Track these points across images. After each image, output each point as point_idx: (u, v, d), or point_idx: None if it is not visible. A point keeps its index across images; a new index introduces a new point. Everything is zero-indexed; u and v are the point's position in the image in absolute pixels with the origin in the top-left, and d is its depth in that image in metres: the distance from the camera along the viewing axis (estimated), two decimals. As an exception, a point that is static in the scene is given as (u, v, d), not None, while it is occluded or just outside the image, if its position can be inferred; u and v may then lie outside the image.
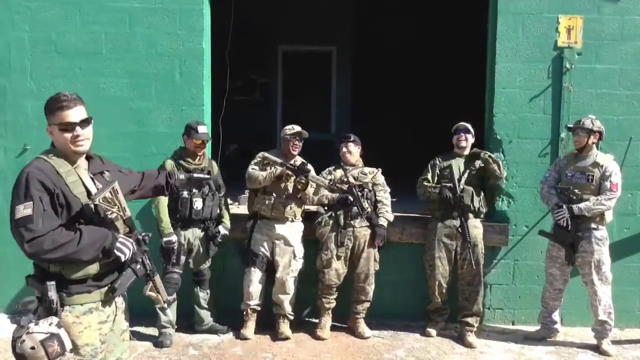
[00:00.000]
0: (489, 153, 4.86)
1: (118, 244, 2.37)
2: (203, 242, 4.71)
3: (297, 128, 4.83)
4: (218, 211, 4.75)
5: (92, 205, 2.36)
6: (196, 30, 5.12)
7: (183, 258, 4.63)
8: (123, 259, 2.39)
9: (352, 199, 4.70)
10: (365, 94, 9.68)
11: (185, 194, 4.53)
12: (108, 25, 5.10)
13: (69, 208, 2.33)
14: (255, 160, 4.83)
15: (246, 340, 4.74)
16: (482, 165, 4.81)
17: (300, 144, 4.85)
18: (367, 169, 4.98)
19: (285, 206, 4.75)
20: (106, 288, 2.43)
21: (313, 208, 5.03)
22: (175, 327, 4.72)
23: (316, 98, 9.64)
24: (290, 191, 4.77)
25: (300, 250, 4.84)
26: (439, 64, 9.62)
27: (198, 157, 4.64)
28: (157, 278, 2.61)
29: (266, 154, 4.79)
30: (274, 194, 4.75)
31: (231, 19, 6.17)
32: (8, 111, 5.12)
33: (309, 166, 4.82)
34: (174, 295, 4.64)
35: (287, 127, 4.89)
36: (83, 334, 2.36)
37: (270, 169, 4.69)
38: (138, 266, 2.49)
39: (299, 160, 4.86)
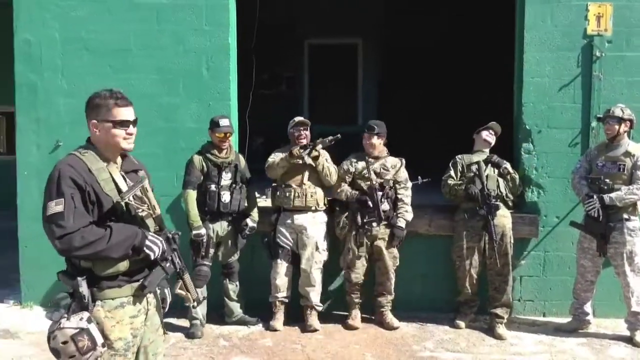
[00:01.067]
0: (508, 167, 4.78)
1: (148, 242, 2.38)
2: (231, 235, 4.77)
3: (299, 118, 4.91)
4: (245, 204, 4.80)
5: (122, 203, 2.38)
6: (222, 25, 5.16)
7: (212, 251, 4.70)
8: (152, 257, 2.40)
9: (371, 205, 4.70)
10: (392, 85, 9.63)
11: (213, 187, 4.62)
12: (137, 23, 5.17)
13: (100, 205, 2.34)
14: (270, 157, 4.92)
15: (275, 331, 4.79)
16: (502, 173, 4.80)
17: (307, 132, 4.87)
18: (389, 162, 4.91)
19: (307, 195, 4.79)
20: (137, 283, 2.44)
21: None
22: (206, 318, 4.79)
23: (342, 90, 9.64)
24: (307, 178, 4.81)
25: (323, 242, 4.86)
26: (467, 56, 9.54)
27: (224, 151, 4.69)
28: (187, 277, 2.62)
29: (275, 151, 4.89)
30: (293, 185, 4.80)
31: (257, 14, 6.21)
32: (40, 108, 5.23)
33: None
34: (204, 288, 4.71)
35: (291, 121, 4.94)
36: (115, 328, 2.37)
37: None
38: (168, 264, 2.49)
39: None
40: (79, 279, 2.29)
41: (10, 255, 6.53)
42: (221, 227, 4.73)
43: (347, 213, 4.84)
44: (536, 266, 5.20)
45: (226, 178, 4.69)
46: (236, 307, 4.90)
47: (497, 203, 4.71)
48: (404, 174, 4.92)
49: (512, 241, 4.84)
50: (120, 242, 2.30)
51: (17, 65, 5.24)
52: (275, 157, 4.82)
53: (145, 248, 2.37)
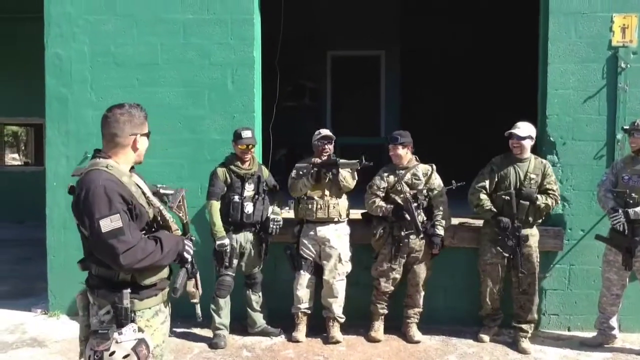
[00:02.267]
0: (540, 202, 4.63)
1: (186, 247, 2.53)
2: (255, 245, 4.82)
3: (324, 131, 4.92)
4: (268, 214, 4.84)
5: (155, 211, 2.46)
6: (247, 39, 5.24)
7: (235, 261, 4.75)
8: (189, 260, 2.54)
9: (408, 217, 4.65)
10: (415, 96, 9.65)
11: (236, 198, 4.68)
12: (163, 37, 5.28)
13: (141, 217, 2.40)
14: (293, 174, 4.90)
15: (298, 342, 4.80)
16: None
17: (330, 146, 4.89)
18: (420, 170, 4.84)
19: (329, 207, 4.80)
20: (166, 290, 2.52)
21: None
22: (229, 329, 4.83)
23: (365, 102, 9.67)
24: (329, 191, 4.81)
25: (346, 254, 4.87)
26: (490, 65, 9.53)
27: (247, 162, 4.74)
28: (198, 276, 2.72)
29: (298, 164, 4.89)
30: (316, 197, 4.81)
31: (281, 28, 6.28)
32: (70, 121, 5.35)
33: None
34: (227, 298, 4.75)
35: (315, 133, 4.96)
36: (154, 336, 2.43)
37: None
38: (189, 266, 2.59)
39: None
40: (124, 291, 2.33)
41: (38, 265, 6.69)
42: (244, 237, 4.77)
43: (384, 225, 4.82)
44: (561, 280, 5.14)
45: (249, 189, 4.73)
46: (259, 318, 4.93)
47: (527, 234, 4.66)
48: (437, 180, 4.85)
49: (538, 259, 4.78)
50: (170, 251, 2.42)
51: (48, 78, 5.36)
52: (298, 180, 4.79)
53: (185, 253, 2.51)
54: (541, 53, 5.20)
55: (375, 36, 9.18)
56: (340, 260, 4.82)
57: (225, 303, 4.78)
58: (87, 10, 5.32)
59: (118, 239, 2.22)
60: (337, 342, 4.80)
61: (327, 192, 4.83)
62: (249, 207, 4.71)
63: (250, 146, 4.72)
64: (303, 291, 4.85)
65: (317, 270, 4.91)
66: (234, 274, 4.75)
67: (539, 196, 4.65)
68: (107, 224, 2.22)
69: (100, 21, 5.32)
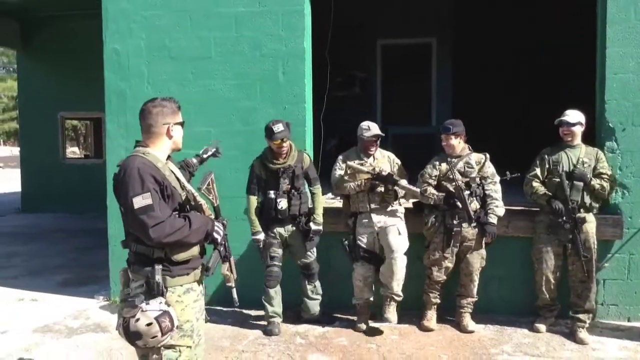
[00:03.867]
0: (594, 184, 4.57)
1: (216, 228, 2.67)
2: (297, 237, 4.82)
3: (373, 128, 4.78)
4: (308, 207, 4.82)
5: (188, 194, 2.64)
6: (298, 30, 5.28)
7: (280, 252, 4.80)
8: (219, 241, 2.69)
9: (460, 205, 4.60)
10: (468, 84, 9.49)
11: (272, 194, 4.68)
12: (216, 30, 5.37)
13: (173, 198, 2.57)
14: (339, 165, 4.85)
15: (359, 332, 4.83)
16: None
17: (378, 142, 4.84)
18: (473, 158, 4.77)
19: (382, 200, 4.75)
20: (199, 269, 2.69)
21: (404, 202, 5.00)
22: (282, 317, 4.90)
23: (416, 91, 9.57)
24: (383, 189, 4.74)
25: (403, 229, 4.77)
26: (543, 52, 9.30)
27: (282, 157, 4.66)
28: (232, 259, 2.86)
29: (351, 164, 4.76)
30: (368, 195, 4.74)
31: (331, 18, 6.29)
32: (128, 114, 5.51)
33: (394, 159, 4.87)
34: (277, 287, 4.82)
35: (363, 125, 4.82)
36: (184, 311, 2.60)
37: (358, 178, 4.73)
38: (222, 248, 2.75)
39: (381, 160, 4.83)
40: (156, 266, 2.52)
41: (98, 254, 6.96)
42: (285, 229, 4.79)
43: (436, 214, 4.79)
44: (620, 269, 5.00)
45: (284, 184, 4.68)
46: (313, 306, 4.96)
47: (583, 216, 4.57)
48: (490, 169, 4.77)
49: (595, 246, 4.67)
50: (198, 229, 2.57)
51: (106, 73, 5.55)
52: (348, 183, 4.73)
53: (214, 233, 2.65)
54: (599, 36, 5.04)
55: (426, 23, 9.07)
56: (399, 234, 4.71)
57: (275, 292, 4.83)
58: (142, 6, 5.47)
59: (148, 214, 2.42)
60: (390, 322, 4.70)
61: (377, 195, 4.74)
62: (282, 203, 4.67)
63: (284, 140, 4.59)
64: (364, 282, 4.82)
65: (376, 261, 4.84)
66: (280, 264, 4.81)
67: (593, 178, 4.56)
68: (139, 201, 2.43)
69: (156, 16, 5.46)
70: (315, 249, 4.87)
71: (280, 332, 4.83)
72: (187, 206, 2.64)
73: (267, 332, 4.83)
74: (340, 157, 4.92)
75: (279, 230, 4.78)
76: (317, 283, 4.94)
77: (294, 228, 4.81)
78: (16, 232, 9.74)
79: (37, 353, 4.49)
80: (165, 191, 2.53)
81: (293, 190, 4.71)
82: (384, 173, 4.67)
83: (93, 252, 7.77)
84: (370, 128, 4.79)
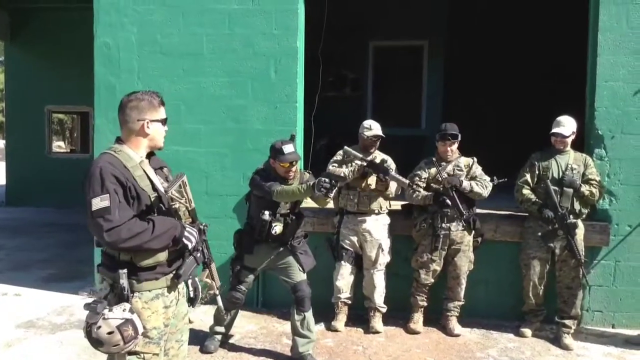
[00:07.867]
0: (584, 190, 4.59)
1: (186, 233, 2.49)
2: (285, 254, 4.24)
3: (375, 127, 4.77)
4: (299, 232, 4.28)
5: (158, 197, 2.48)
6: (291, 29, 5.26)
7: (251, 278, 4.31)
8: (190, 247, 2.52)
9: (449, 203, 4.63)
10: (458, 88, 9.52)
11: (267, 215, 4.01)
12: (209, 27, 5.33)
13: (139, 200, 2.43)
14: (336, 158, 4.87)
15: (337, 332, 4.83)
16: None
17: (378, 142, 4.84)
18: (462, 162, 4.82)
19: (370, 200, 4.79)
20: (171, 275, 2.54)
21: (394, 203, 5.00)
22: (227, 337, 4.57)
23: (407, 93, 9.59)
24: (373, 186, 4.74)
25: (387, 244, 4.86)
26: (535, 56, 9.35)
27: (288, 181, 4.04)
28: (213, 266, 2.74)
29: (348, 149, 4.73)
30: (358, 189, 4.77)
31: (324, 18, 6.28)
32: (117, 109, 5.44)
33: (391, 164, 4.79)
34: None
35: (365, 124, 4.83)
36: (151, 318, 2.47)
37: (352, 165, 4.71)
38: (199, 254, 2.61)
39: (379, 157, 4.79)
40: (120, 271, 2.38)
41: (83, 249, 6.89)
42: (271, 248, 4.20)
43: (425, 216, 4.81)
44: (606, 276, 5.04)
45: (284, 207, 4.10)
46: (301, 345, 4.37)
47: (575, 221, 4.60)
48: (478, 170, 4.80)
49: (583, 253, 4.69)
50: (162, 234, 2.40)
51: (96, 67, 5.48)
52: (342, 170, 4.67)
53: (183, 239, 2.48)
54: (591, 44, 5.08)
55: (418, 26, 9.08)
56: (382, 250, 4.82)
57: (230, 315, 4.40)
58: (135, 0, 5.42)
59: (104, 217, 2.29)
60: (377, 332, 4.81)
61: (368, 188, 4.76)
62: (277, 228, 4.05)
63: (294, 162, 4.03)
64: (343, 281, 4.88)
65: (358, 261, 4.93)
66: (246, 291, 4.30)
67: (582, 184, 4.60)
68: (97, 203, 2.30)
69: (148, 11, 5.41)
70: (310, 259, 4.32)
71: (216, 349, 4.39)
72: (156, 209, 2.47)
73: (204, 347, 4.37)
74: (341, 151, 4.91)
75: (264, 249, 4.16)
76: (309, 314, 4.19)
77: (282, 248, 4.19)
78: (0, 226, 9.63)
79: (20, 349, 4.43)
80: (129, 192, 2.39)
81: (291, 215, 4.15)
82: (377, 161, 4.68)
83: (78, 247, 7.70)
84: (372, 127, 4.79)
